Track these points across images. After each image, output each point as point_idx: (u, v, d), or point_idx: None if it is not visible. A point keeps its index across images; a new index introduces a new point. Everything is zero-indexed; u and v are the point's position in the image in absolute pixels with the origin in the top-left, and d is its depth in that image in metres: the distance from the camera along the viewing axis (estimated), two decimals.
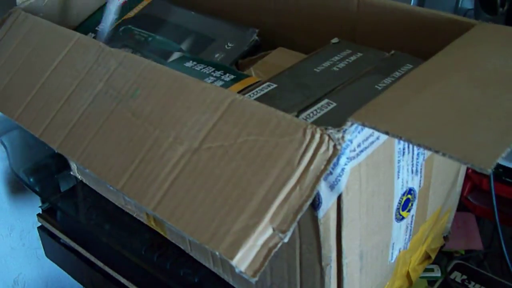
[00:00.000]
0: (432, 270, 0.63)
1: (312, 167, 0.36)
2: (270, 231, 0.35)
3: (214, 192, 0.39)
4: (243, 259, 0.35)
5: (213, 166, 0.40)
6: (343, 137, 0.37)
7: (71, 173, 0.80)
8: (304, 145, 0.37)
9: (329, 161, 0.36)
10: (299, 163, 0.37)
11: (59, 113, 0.52)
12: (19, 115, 0.55)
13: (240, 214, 0.36)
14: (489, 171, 0.31)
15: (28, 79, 0.57)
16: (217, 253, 0.35)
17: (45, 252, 0.88)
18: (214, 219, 0.37)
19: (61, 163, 0.84)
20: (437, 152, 0.33)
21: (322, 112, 0.46)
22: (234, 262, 0.34)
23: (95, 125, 0.49)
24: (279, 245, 0.35)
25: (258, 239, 0.35)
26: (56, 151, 0.50)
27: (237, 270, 0.34)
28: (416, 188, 0.51)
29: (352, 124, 0.37)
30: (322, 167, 0.36)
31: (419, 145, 0.34)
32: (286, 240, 0.35)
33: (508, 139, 0.34)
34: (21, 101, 0.56)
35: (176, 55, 0.65)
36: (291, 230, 0.35)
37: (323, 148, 0.37)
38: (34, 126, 0.53)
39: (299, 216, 0.35)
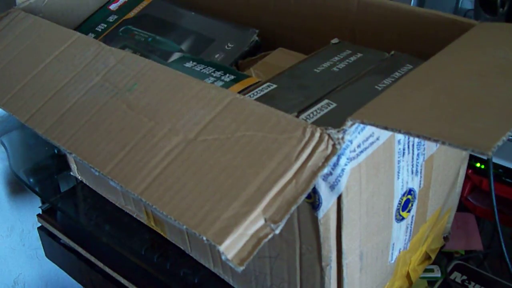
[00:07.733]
0: (432, 270, 0.63)
1: (309, 163, 0.36)
2: (261, 221, 0.35)
3: (207, 180, 0.38)
4: (231, 247, 0.34)
5: (208, 157, 0.39)
6: (343, 137, 0.37)
7: (71, 173, 0.80)
8: (303, 143, 0.37)
9: (327, 159, 0.36)
10: (296, 158, 0.36)
11: (49, 102, 0.51)
12: (6, 102, 0.53)
13: (232, 202, 0.36)
14: (490, 154, 0.30)
15: (20, 69, 0.56)
16: (204, 238, 0.34)
17: (45, 253, 0.88)
18: (204, 206, 0.36)
19: (61, 164, 0.84)
20: (436, 141, 0.33)
21: (322, 113, 0.46)
22: (221, 248, 0.33)
23: (87, 114, 0.47)
24: (269, 236, 0.34)
25: (249, 228, 0.34)
26: (42, 136, 0.49)
27: (223, 258, 0.34)
28: (416, 189, 0.51)
29: (352, 124, 0.37)
30: (320, 164, 0.36)
31: (418, 136, 0.34)
32: (277, 231, 0.35)
33: (509, 124, 0.33)
34: (10, 89, 0.54)
35: (176, 56, 0.65)
36: (284, 221, 0.35)
37: (322, 146, 0.37)
38: (20, 112, 0.51)
39: (293, 209, 0.35)
